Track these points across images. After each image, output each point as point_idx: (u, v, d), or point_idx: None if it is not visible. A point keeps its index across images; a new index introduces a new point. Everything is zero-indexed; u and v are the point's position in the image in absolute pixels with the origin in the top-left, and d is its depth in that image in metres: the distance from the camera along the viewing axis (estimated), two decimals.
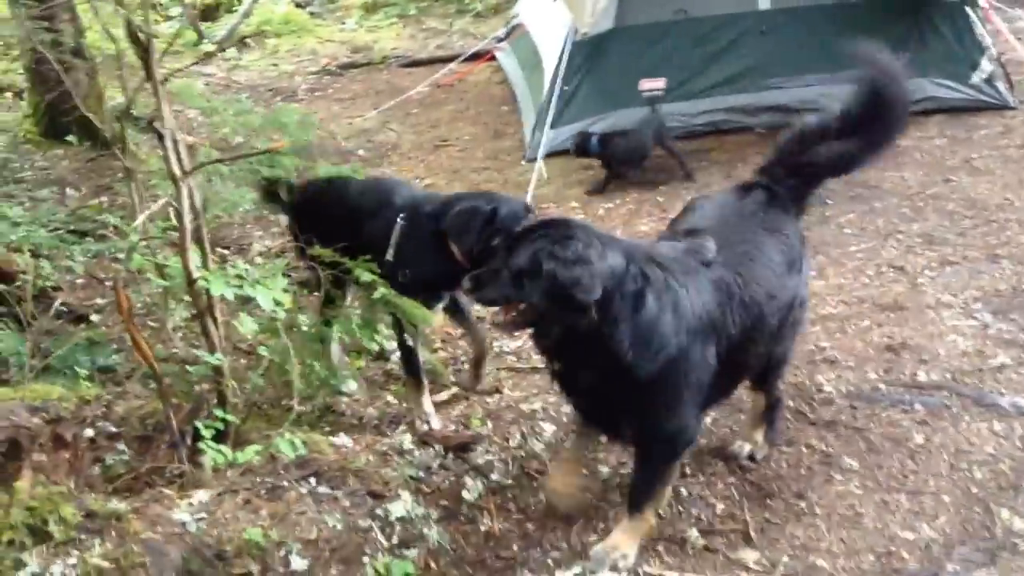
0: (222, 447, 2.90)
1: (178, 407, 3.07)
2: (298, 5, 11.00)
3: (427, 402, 3.76)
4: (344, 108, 8.29)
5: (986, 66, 6.98)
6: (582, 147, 6.37)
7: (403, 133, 7.64)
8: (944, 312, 4.43)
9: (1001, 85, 6.98)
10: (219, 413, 3.04)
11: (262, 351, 3.16)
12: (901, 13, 7.05)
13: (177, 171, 2.78)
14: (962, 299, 4.54)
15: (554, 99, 6.62)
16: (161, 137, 2.74)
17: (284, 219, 4.27)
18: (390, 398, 3.95)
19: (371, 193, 3.83)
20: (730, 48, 7.11)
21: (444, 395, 3.95)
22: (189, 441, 2.99)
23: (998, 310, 4.40)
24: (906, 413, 3.64)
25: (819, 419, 3.66)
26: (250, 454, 2.85)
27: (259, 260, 5.13)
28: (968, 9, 6.82)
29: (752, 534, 3.04)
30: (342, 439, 3.54)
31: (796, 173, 3.24)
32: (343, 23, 10.85)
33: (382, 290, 3.26)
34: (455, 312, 3.95)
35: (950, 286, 4.68)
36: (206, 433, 2.95)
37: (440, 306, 3.75)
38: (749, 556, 2.96)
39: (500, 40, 8.68)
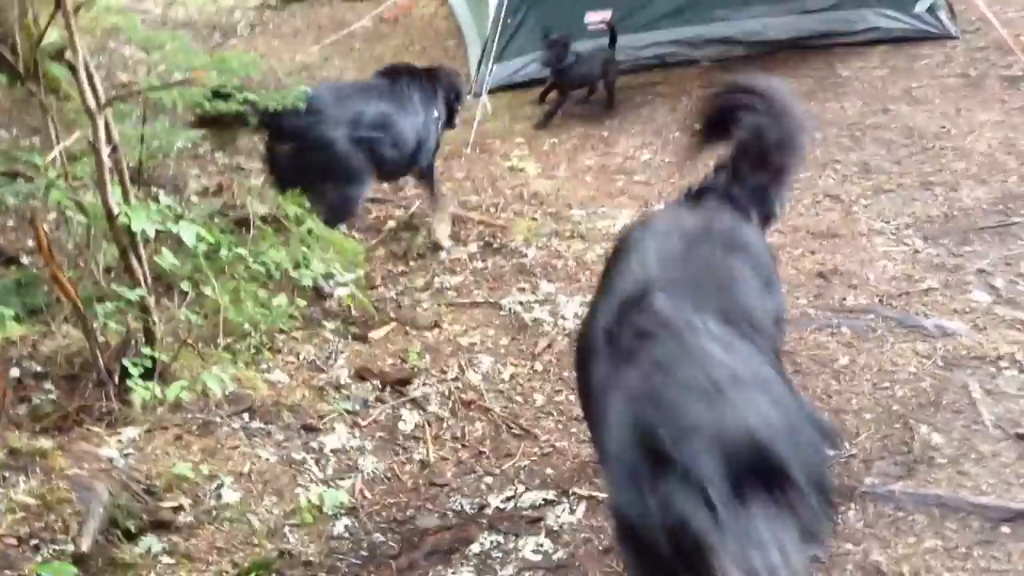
0: (150, 384, 2.90)
1: (105, 345, 3.05)
2: None
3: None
4: (285, 44, 8.12)
5: None
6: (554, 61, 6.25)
7: (346, 69, 7.50)
8: (876, 239, 4.50)
9: (943, 15, 6.99)
10: (147, 351, 3.03)
11: (184, 287, 3.13)
12: None
13: (92, 104, 2.72)
14: (894, 226, 4.61)
15: (498, 33, 6.54)
16: (74, 69, 2.67)
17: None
18: (327, 335, 3.94)
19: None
20: None
21: (382, 330, 3.96)
22: (117, 379, 2.98)
23: (928, 236, 4.48)
24: (833, 336, 3.73)
25: None
26: (176, 390, 2.85)
27: (195, 199, 5.06)
28: None
29: None
30: (277, 376, 3.56)
31: (763, 166, 2.64)
32: None
33: (310, 223, 3.24)
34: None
35: (883, 213, 4.75)
36: (134, 371, 2.94)
37: None
38: None
39: None
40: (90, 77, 2.73)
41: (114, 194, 2.84)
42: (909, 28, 7.03)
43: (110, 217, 2.84)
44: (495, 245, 4.67)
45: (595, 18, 6.91)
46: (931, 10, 7.01)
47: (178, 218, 2.94)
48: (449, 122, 4.99)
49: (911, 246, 4.40)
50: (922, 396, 3.32)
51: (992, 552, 2.63)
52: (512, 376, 3.58)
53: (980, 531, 2.70)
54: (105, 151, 2.77)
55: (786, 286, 4.11)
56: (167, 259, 2.98)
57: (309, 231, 3.27)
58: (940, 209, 4.71)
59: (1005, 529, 2.71)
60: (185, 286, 3.10)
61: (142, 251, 2.98)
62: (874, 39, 7.07)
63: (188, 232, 2.90)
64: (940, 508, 2.77)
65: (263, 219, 4.88)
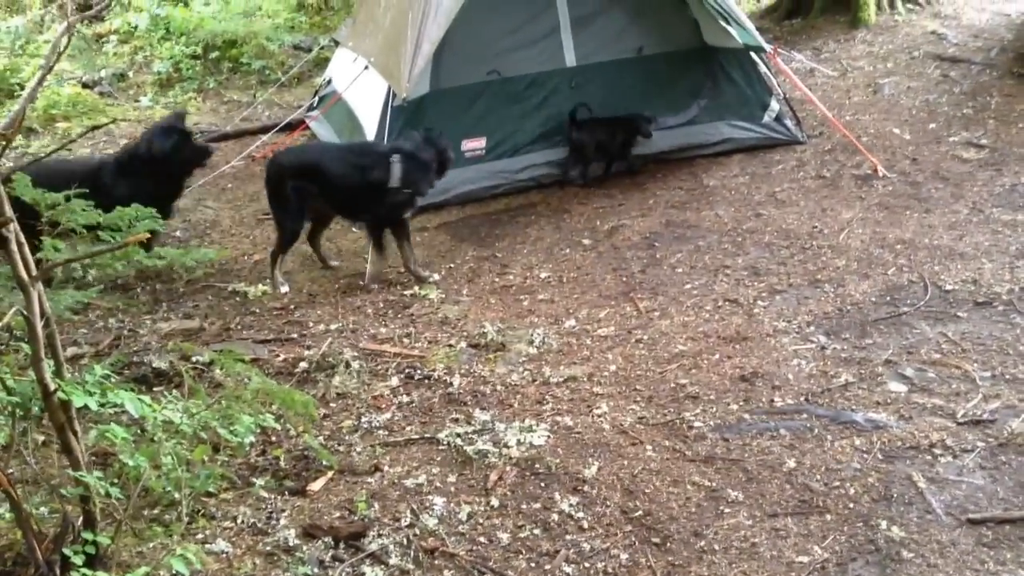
0: (99, 574, 2.63)
1: (40, 534, 2.75)
2: (85, 85, 10.36)
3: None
4: None
5: (775, 106, 7.59)
6: None
7: (221, 209, 7.33)
8: (783, 338, 4.70)
9: (789, 122, 7.59)
10: (88, 536, 2.76)
11: (139, 460, 2.88)
12: (695, 63, 7.57)
13: (24, 276, 2.53)
14: (796, 324, 4.83)
15: None
16: (4, 241, 2.48)
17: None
18: (261, 493, 3.70)
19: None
20: (543, 105, 7.34)
21: (320, 481, 3.76)
22: (59, 571, 2.69)
23: (830, 331, 4.72)
24: (774, 439, 3.82)
25: (696, 455, 3.77)
26: None
27: (86, 361, 4.75)
28: (754, 55, 7.38)
29: None
30: (220, 545, 3.30)
31: None
32: (137, 101, 10.32)
33: (256, 380, 3.08)
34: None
35: (783, 313, 4.97)
36: (77, 560, 2.67)
37: None
38: None
39: (312, 109, 8.58)
40: (20, 247, 2.54)
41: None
42: (761, 136, 7.59)
43: (46, 394, 2.60)
44: (416, 376, 4.58)
45: (471, 145, 7.11)
46: (778, 119, 7.61)
47: (118, 389, 2.72)
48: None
49: (817, 343, 4.62)
50: (873, 491, 3.43)
51: None
52: (470, 515, 3.46)
53: None
54: (39, 324, 2.56)
55: (714, 392, 4.23)
56: (118, 433, 2.75)
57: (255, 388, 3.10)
58: (833, 305, 4.99)
59: None
60: (140, 460, 2.85)
61: (78, 427, 2.74)
62: (730, 149, 7.58)
63: (132, 402, 2.69)
64: None
65: (159, 373, 4.70)
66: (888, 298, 4.95)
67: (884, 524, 3.24)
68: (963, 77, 8.47)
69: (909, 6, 10.23)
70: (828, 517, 3.31)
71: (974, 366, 4.22)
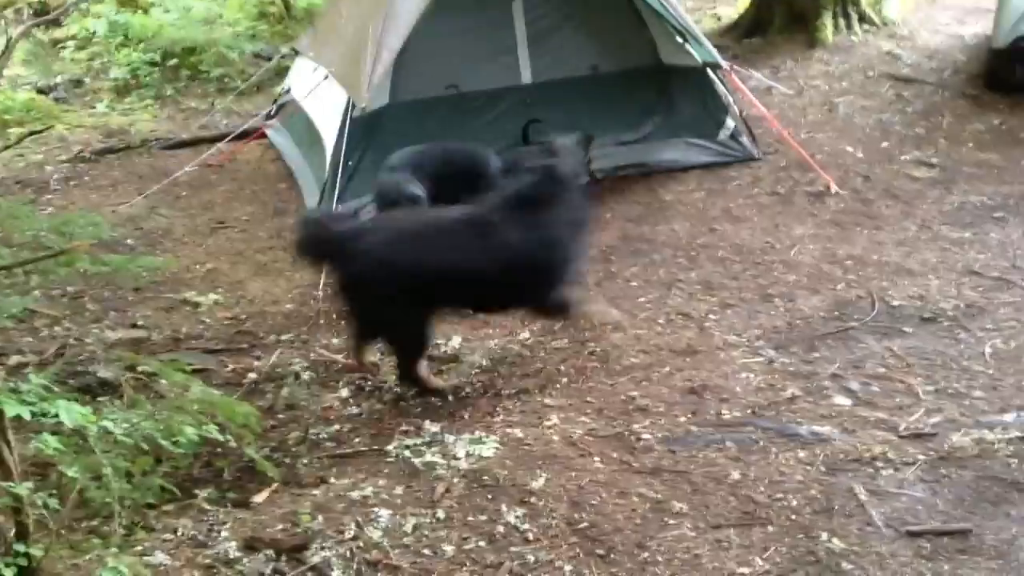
0: None
1: None
2: (40, 91, 10.24)
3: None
4: (104, 196, 7.75)
5: (730, 123, 7.65)
6: None
7: (174, 217, 7.23)
8: (733, 352, 4.74)
9: (745, 139, 7.65)
10: (20, 548, 2.71)
11: (73, 472, 2.83)
12: (650, 81, 7.61)
13: None
14: (746, 338, 4.87)
15: (339, 174, 6.54)
16: None
17: None
18: (203, 505, 3.65)
19: None
20: (499, 120, 7.36)
21: (264, 493, 3.72)
22: None
23: (779, 345, 4.76)
24: (720, 451, 3.85)
25: (643, 467, 3.78)
26: None
27: (29, 370, 4.66)
28: (710, 72, 7.46)
29: None
30: (159, 557, 3.25)
31: None
32: (93, 107, 10.19)
33: (196, 390, 3.04)
34: None
35: (734, 327, 5.01)
36: (8, 572, 2.61)
37: None
38: None
39: (270, 117, 8.52)
40: None
41: None
42: (716, 153, 7.64)
43: None
44: (367, 388, 4.56)
45: None
46: (733, 136, 7.66)
47: (56, 398, 2.68)
48: None
49: (765, 356, 4.66)
50: (815, 503, 3.46)
51: None
52: (415, 527, 3.43)
53: None
54: None
55: (663, 404, 4.26)
56: (50, 443, 2.70)
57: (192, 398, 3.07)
58: (783, 319, 5.04)
59: None
60: (74, 471, 2.80)
61: (11, 437, 2.69)
62: (687, 165, 7.62)
63: (67, 412, 2.65)
64: None
65: (104, 383, 4.63)
66: (836, 313, 5.02)
67: (825, 536, 3.27)
68: (916, 97, 8.62)
69: (865, 27, 10.38)
70: (770, 528, 3.34)
71: (918, 380, 4.28)
